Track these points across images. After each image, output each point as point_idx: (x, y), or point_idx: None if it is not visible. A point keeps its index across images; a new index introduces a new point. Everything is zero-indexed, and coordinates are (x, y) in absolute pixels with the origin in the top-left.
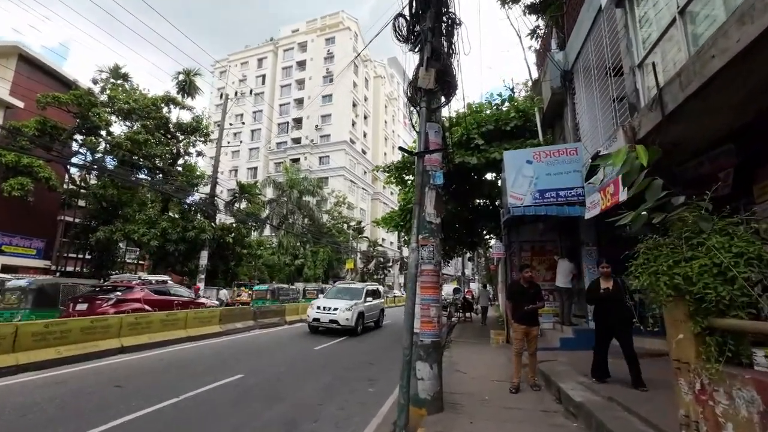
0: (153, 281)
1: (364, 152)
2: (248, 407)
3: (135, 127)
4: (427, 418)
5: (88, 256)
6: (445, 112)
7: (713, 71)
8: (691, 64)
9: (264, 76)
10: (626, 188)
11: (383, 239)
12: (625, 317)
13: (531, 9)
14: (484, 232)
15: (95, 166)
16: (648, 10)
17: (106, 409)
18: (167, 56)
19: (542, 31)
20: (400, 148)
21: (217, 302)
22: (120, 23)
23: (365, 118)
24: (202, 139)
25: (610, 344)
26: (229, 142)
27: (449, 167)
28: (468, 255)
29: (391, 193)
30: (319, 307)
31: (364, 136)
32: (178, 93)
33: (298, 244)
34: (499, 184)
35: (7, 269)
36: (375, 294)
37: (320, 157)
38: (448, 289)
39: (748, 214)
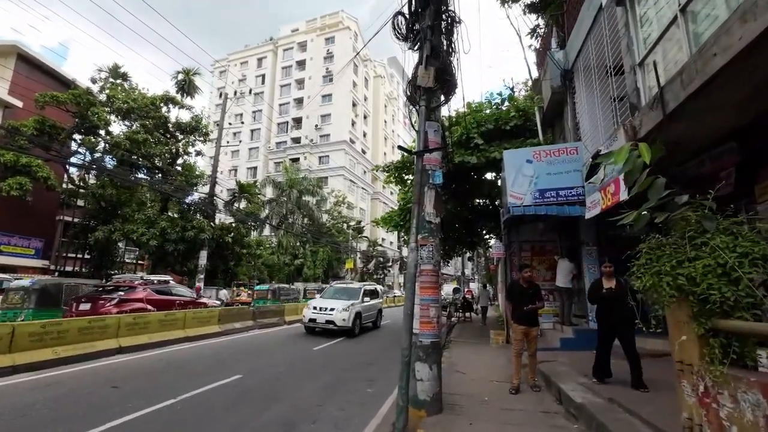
0: (155, 281)
1: (363, 152)
2: (246, 408)
3: (134, 127)
4: (426, 419)
5: (87, 256)
6: (444, 112)
7: (715, 69)
8: (693, 63)
9: (264, 76)
10: (628, 187)
11: (383, 239)
12: (627, 317)
13: (531, 8)
14: (484, 232)
15: (94, 166)
16: (649, 8)
17: (102, 411)
18: (167, 56)
19: (542, 30)
20: (399, 147)
21: (219, 302)
22: (120, 23)
23: (365, 117)
24: (202, 138)
25: (612, 344)
26: (228, 142)
27: (449, 167)
28: (468, 255)
29: (391, 193)
30: (315, 308)
31: (364, 135)
32: (177, 92)
33: (298, 243)
34: (499, 184)
35: (6, 269)
36: (373, 294)
37: (320, 157)
38: (447, 289)
39: (752, 213)
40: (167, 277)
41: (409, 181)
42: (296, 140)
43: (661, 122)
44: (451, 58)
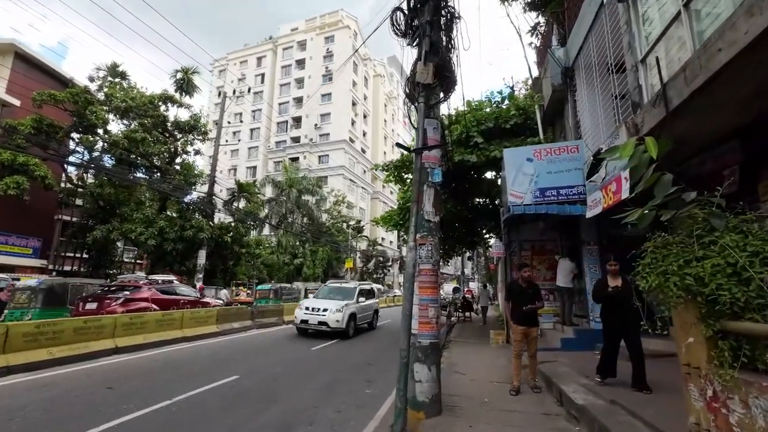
0: (160, 281)
1: (363, 151)
2: (243, 409)
3: (132, 126)
4: (425, 421)
5: (85, 256)
6: (444, 110)
7: (720, 65)
8: (697, 58)
9: (263, 75)
10: (630, 185)
11: (383, 238)
12: (633, 316)
13: (531, 6)
14: (484, 231)
15: (92, 165)
16: (651, 4)
17: (97, 412)
18: (166, 55)
19: (542, 28)
20: (398, 144)
21: (221, 301)
22: (119, 22)
23: (365, 116)
24: (200, 137)
25: (619, 344)
26: (227, 141)
27: (449, 165)
28: (467, 254)
29: (391, 192)
30: (307, 308)
31: (364, 135)
32: (176, 91)
33: (297, 243)
34: (499, 183)
35: (4, 269)
36: (369, 294)
37: (319, 156)
38: (447, 289)
39: (761, 211)
40: (171, 277)
41: (408, 180)
42: (296, 139)
43: (664, 119)
44: (451, 55)
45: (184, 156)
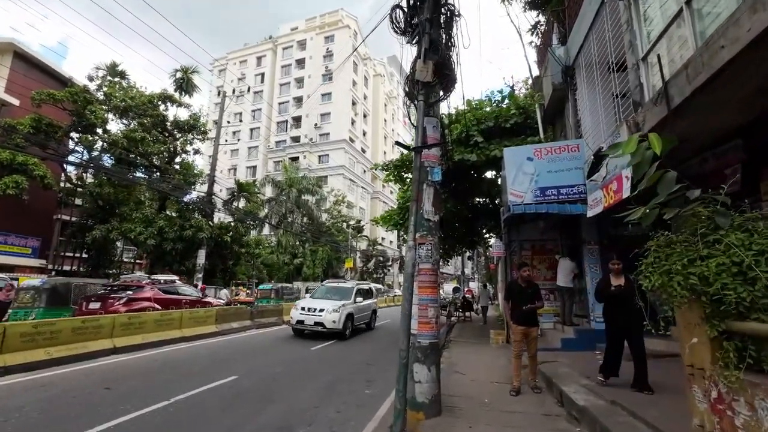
0: (162, 281)
1: (363, 151)
2: (241, 410)
3: (132, 125)
4: (425, 422)
5: (84, 255)
6: (444, 109)
7: (723, 62)
8: (699, 56)
9: (263, 75)
10: (631, 184)
11: (383, 238)
12: (636, 316)
13: (531, 4)
14: (484, 231)
15: (91, 165)
16: (652, 2)
17: (94, 413)
18: (166, 54)
19: (543, 27)
20: (397, 143)
21: (223, 301)
22: (119, 22)
23: (365, 116)
24: (200, 137)
25: (624, 344)
26: (227, 140)
27: (448, 165)
28: (468, 254)
29: (391, 192)
30: (303, 308)
31: (364, 134)
32: (175, 91)
33: (297, 243)
34: (499, 182)
35: (2, 268)
36: (367, 294)
37: (319, 156)
38: (447, 289)
39: (764, 210)
40: (174, 277)
41: (408, 180)
42: (296, 139)
43: (666, 118)
44: (451, 53)
45: (184, 155)
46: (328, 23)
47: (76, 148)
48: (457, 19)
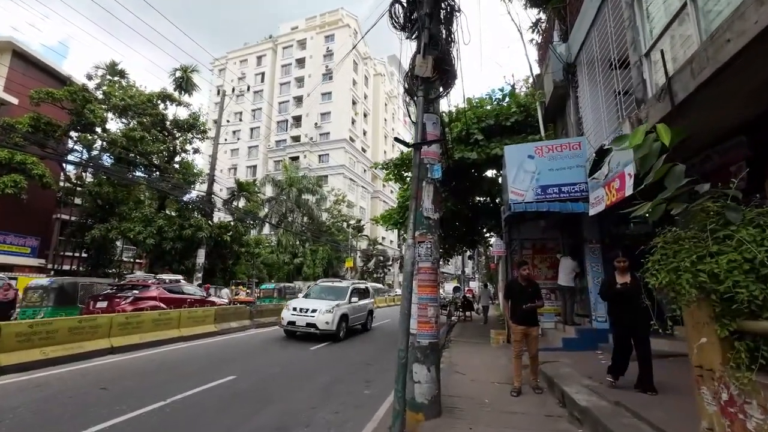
0: (167, 280)
1: (363, 150)
2: (239, 410)
3: (131, 124)
4: (424, 423)
5: (83, 255)
6: (444, 107)
7: (728, 56)
8: (704, 50)
9: (263, 74)
10: (636, 178)
11: (383, 237)
12: (643, 315)
13: (532, 2)
14: (485, 230)
15: (91, 164)
16: None
17: (89, 413)
18: (166, 54)
19: (544, 24)
20: (396, 139)
21: (225, 301)
22: (119, 21)
23: (365, 116)
24: (199, 136)
25: (632, 343)
26: (226, 140)
27: (449, 163)
28: (468, 253)
29: (391, 192)
30: (295, 309)
31: (364, 134)
32: (175, 90)
33: (297, 242)
34: (500, 181)
35: (1, 268)
36: (363, 294)
37: (320, 155)
38: (448, 288)
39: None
40: (178, 277)
41: (408, 179)
42: (296, 138)
43: (669, 114)
44: (451, 48)
45: (183, 155)
46: (328, 22)
47: (75, 147)
48: (457, 14)
